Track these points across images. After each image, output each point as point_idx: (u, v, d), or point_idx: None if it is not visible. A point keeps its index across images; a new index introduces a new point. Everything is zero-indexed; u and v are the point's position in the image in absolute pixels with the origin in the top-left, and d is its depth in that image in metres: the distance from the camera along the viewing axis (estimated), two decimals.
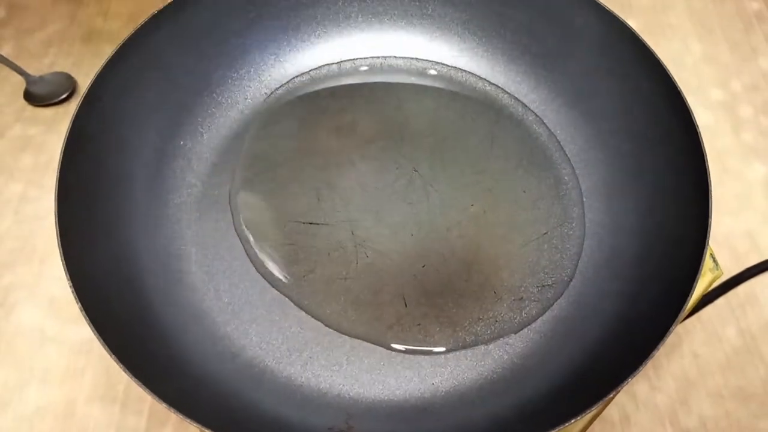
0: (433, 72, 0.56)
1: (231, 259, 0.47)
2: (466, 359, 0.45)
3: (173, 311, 0.44)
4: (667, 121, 0.46)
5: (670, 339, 0.50)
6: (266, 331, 0.45)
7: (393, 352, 0.45)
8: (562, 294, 0.47)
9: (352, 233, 0.49)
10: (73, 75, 0.61)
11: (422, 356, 0.45)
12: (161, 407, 0.45)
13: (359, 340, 0.45)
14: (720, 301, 0.52)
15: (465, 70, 0.56)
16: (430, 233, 0.49)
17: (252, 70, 0.54)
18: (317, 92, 0.55)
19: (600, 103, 0.51)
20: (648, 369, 0.49)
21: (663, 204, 0.46)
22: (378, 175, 0.51)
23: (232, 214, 0.49)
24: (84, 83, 0.60)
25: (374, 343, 0.45)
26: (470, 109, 0.54)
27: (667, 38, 0.66)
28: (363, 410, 0.43)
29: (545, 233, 0.49)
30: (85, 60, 0.62)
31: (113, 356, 0.35)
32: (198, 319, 0.45)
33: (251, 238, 0.48)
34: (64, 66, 0.62)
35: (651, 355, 0.36)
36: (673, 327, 0.37)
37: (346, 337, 0.45)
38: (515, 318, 0.46)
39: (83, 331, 0.48)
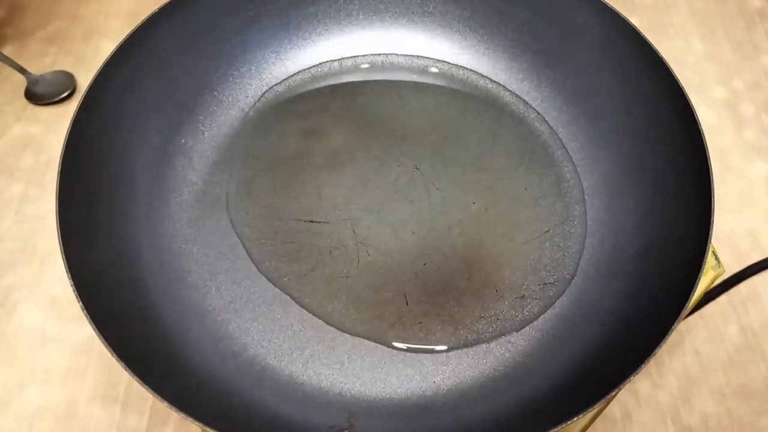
0: (434, 70, 0.56)
1: (233, 258, 0.47)
2: (468, 357, 0.44)
3: (174, 310, 0.44)
4: (670, 119, 0.46)
5: (672, 337, 0.50)
6: (268, 329, 0.45)
7: (394, 351, 0.45)
8: (563, 292, 0.47)
9: (354, 231, 0.48)
10: (73, 73, 0.61)
11: (424, 354, 0.44)
12: (162, 407, 0.45)
13: (361, 339, 0.45)
14: (722, 299, 0.52)
15: (466, 68, 0.56)
16: (432, 231, 0.49)
17: (253, 68, 0.54)
18: (318, 90, 0.55)
19: (602, 100, 0.51)
20: (650, 367, 0.49)
21: (665, 202, 0.46)
22: (379, 173, 0.51)
23: (234, 212, 0.49)
24: (85, 82, 0.60)
25: (376, 342, 0.45)
26: (472, 107, 0.54)
27: (669, 37, 0.66)
28: (364, 408, 0.43)
29: (547, 231, 0.49)
30: (86, 59, 0.62)
31: (114, 354, 0.35)
32: (199, 317, 0.45)
33: (252, 237, 0.48)
34: (65, 64, 0.62)
35: (653, 353, 0.36)
36: (675, 325, 0.37)
37: (348, 335, 0.45)
38: (517, 316, 0.46)
39: (84, 331, 0.48)
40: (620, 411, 0.48)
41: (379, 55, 0.57)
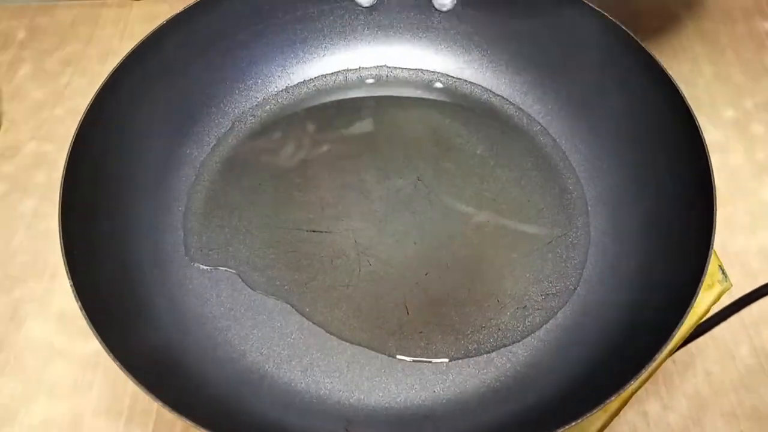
0: (438, 84, 0.57)
1: (234, 266, 0.48)
2: (469, 367, 0.44)
3: (175, 318, 0.45)
4: (673, 133, 0.46)
5: (683, 358, 0.49)
6: (267, 336, 0.45)
7: (394, 359, 0.44)
8: (566, 303, 0.46)
9: (355, 241, 0.49)
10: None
11: (424, 364, 0.44)
12: (165, 421, 0.46)
13: (360, 348, 0.45)
14: (733, 319, 0.51)
15: (470, 82, 0.56)
16: (433, 242, 0.49)
17: (259, 80, 0.55)
18: (323, 104, 0.56)
19: (605, 113, 0.51)
20: (660, 388, 0.48)
21: (668, 213, 0.45)
22: (382, 184, 0.51)
23: (236, 221, 0.49)
24: None
25: (375, 351, 0.44)
26: (475, 120, 0.55)
27: (678, 60, 0.66)
28: (363, 417, 0.42)
29: (549, 242, 0.49)
30: (101, 79, 0.63)
31: (117, 362, 0.35)
32: (199, 324, 0.45)
33: (254, 245, 0.48)
34: (80, 85, 0.63)
35: (653, 358, 0.36)
36: (675, 331, 0.37)
37: (347, 344, 0.45)
38: (518, 326, 0.45)
39: (91, 345, 0.48)
40: None
41: (384, 69, 0.57)
